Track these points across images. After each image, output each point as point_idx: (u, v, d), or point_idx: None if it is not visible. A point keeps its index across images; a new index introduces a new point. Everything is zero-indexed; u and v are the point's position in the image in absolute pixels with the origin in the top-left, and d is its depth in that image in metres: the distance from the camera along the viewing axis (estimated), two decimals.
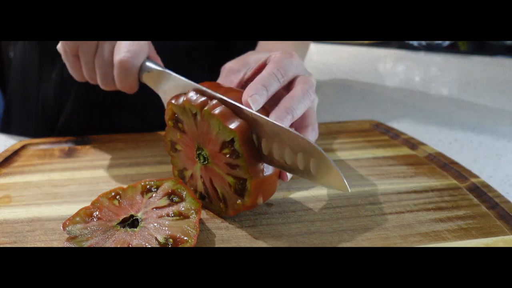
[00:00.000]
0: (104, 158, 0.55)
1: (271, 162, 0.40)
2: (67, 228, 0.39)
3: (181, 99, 0.43)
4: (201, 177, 0.44)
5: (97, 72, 0.51)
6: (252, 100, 0.40)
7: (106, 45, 0.49)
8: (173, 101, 0.44)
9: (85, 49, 0.50)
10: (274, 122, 0.38)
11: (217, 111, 0.40)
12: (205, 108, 0.40)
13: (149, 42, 0.52)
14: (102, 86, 0.52)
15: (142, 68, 0.49)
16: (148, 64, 0.49)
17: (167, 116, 0.45)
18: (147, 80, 0.50)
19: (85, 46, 0.49)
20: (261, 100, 0.40)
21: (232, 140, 0.39)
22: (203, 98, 0.41)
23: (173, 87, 0.47)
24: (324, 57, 1.19)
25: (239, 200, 0.41)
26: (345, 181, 0.36)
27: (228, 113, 0.40)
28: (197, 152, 0.43)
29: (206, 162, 0.43)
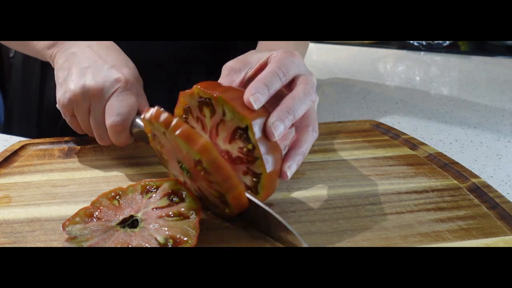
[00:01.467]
0: (104, 158, 0.55)
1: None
2: (66, 229, 0.39)
3: (148, 115, 0.40)
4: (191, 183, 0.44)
5: (93, 131, 0.52)
6: (254, 99, 0.40)
7: (97, 107, 0.50)
8: (144, 116, 0.41)
9: (79, 111, 0.51)
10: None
11: (178, 132, 0.38)
12: (169, 128, 0.38)
13: (139, 80, 0.52)
14: (99, 142, 0.53)
15: (133, 125, 0.50)
16: (138, 121, 0.50)
17: (145, 129, 0.44)
18: (137, 135, 0.51)
19: (79, 109, 0.51)
20: (262, 99, 0.40)
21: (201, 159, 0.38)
22: (165, 115, 0.39)
23: None
24: (324, 57, 1.19)
25: (227, 210, 0.41)
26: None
27: (190, 133, 0.37)
28: (179, 165, 0.42)
29: (189, 174, 0.41)
